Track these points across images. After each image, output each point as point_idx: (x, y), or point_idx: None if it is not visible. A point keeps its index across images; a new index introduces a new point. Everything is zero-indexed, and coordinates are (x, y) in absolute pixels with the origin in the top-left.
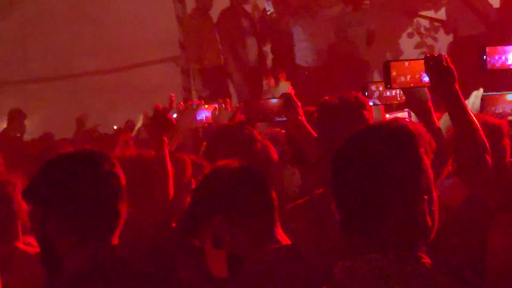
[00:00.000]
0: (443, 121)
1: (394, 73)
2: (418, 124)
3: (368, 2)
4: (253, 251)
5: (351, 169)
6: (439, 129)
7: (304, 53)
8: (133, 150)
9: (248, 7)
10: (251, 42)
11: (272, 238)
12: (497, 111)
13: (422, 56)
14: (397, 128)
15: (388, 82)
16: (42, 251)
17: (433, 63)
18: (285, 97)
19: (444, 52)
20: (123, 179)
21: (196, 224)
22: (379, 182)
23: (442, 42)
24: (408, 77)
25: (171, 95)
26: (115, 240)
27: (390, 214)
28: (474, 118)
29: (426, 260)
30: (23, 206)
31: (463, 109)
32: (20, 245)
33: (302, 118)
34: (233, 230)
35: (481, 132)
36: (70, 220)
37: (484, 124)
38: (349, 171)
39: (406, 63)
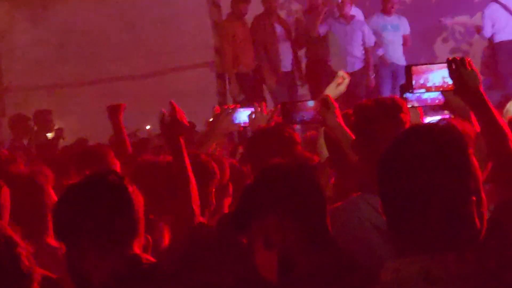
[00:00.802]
0: None
1: (416, 77)
2: (467, 124)
3: (397, 7)
4: (305, 254)
5: (400, 170)
6: (478, 133)
7: (339, 58)
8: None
9: (282, 13)
10: (286, 47)
11: (323, 241)
12: None
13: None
14: (446, 129)
15: (410, 87)
16: (69, 267)
17: (456, 67)
18: (322, 99)
19: (479, 58)
20: (133, 191)
21: (247, 221)
22: (427, 183)
23: (477, 47)
24: (432, 81)
25: (172, 102)
26: (136, 249)
27: (439, 215)
28: (502, 121)
29: (474, 262)
30: (54, 199)
31: (489, 112)
32: (50, 240)
33: (340, 120)
34: (285, 231)
35: (509, 134)
36: (90, 238)
37: None
38: (397, 172)
39: (432, 67)
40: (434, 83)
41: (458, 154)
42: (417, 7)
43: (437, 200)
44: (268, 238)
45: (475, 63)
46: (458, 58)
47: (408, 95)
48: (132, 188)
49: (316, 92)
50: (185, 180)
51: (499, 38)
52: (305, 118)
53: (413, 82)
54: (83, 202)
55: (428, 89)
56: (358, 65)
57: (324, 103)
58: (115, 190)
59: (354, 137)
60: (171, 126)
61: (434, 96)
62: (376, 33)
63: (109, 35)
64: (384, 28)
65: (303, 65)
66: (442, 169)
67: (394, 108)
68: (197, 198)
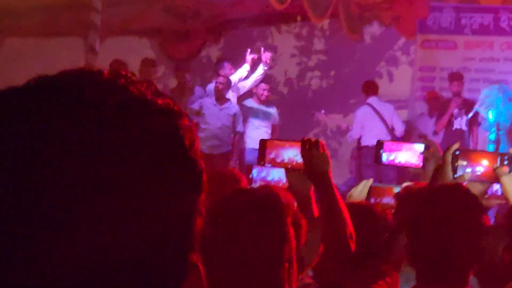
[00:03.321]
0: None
1: (268, 151)
2: (289, 194)
3: (269, 95)
4: None
5: (218, 230)
6: (315, 219)
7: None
8: None
9: (159, 86)
10: None
11: None
12: (382, 202)
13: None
14: (266, 195)
15: (262, 159)
16: None
17: (309, 147)
18: None
19: (347, 158)
20: None
21: None
22: (242, 246)
23: (347, 148)
24: (281, 157)
25: None
26: None
27: (251, 277)
28: (343, 205)
29: None
30: None
31: (333, 196)
32: None
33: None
34: None
35: (348, 221)
36: None
37: (369, 212)
38: (215, 232)
39: (284, 144)
40: (283, 159)
41: (275, 220)
42: (293, 99)
43: (251, 263)
44: None
45: (343, 163)
46: (312, 140)
47: (253, 174)
48: None
49: None
50: None
51: (365, 141)
52: None
53: (265, 156)
54: None
55: (277, 165)
56: (224, 148)
57: None
58: None
59: None
60: None
61: (278, 178)
62: (246, 118)
63: None
64: (255, 115)
65: None
66: (258, 233)
67: (234, 180)
68: None
